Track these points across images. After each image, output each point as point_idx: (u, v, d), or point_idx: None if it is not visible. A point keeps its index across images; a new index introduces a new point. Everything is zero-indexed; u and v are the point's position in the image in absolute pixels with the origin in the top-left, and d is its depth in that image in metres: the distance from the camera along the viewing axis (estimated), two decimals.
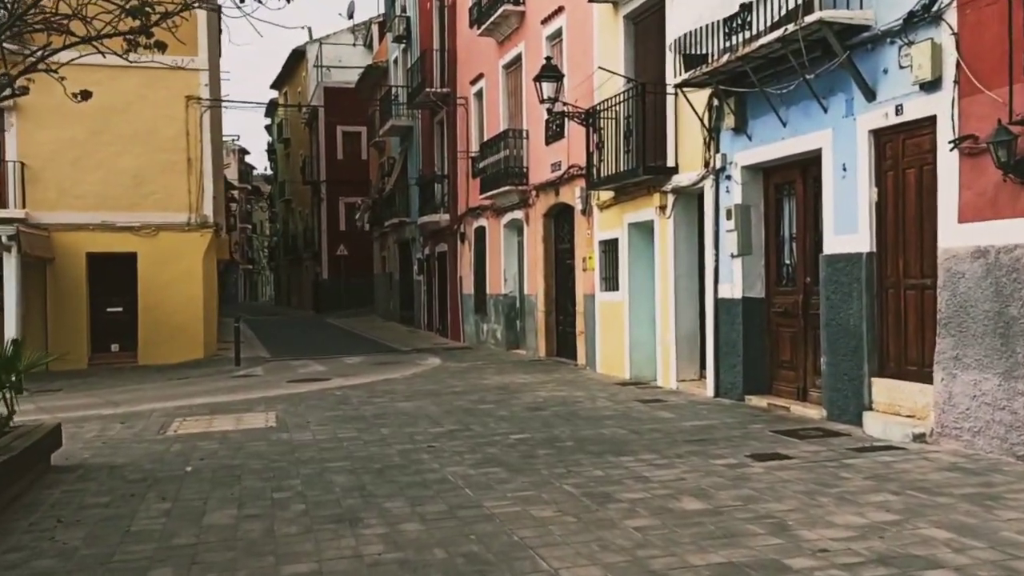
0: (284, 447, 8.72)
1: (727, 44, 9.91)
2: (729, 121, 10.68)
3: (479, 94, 21.28)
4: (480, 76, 20.92)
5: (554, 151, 16.43)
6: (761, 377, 10.61)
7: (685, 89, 10.93)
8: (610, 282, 14.30)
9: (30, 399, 13.74)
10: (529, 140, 17.84)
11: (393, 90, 29.54)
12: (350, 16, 45.45)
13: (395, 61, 31.09)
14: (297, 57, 47.49)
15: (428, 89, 23.82)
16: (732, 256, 10.73)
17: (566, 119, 15.64)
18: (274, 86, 56.15)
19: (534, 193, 17.49)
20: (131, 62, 8.11)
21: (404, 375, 15.32)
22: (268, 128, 64.54)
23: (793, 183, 10.23)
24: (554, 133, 16.42)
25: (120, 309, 20.27)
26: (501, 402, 11.40)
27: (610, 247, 14.28)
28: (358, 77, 36.56)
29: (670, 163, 12.04)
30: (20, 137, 19.24)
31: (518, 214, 18.48)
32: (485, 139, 19.99)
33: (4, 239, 15.97)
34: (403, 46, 29.34)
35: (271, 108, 59.80)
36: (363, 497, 6.49)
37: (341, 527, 5.69)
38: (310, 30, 51.36)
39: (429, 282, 26.76)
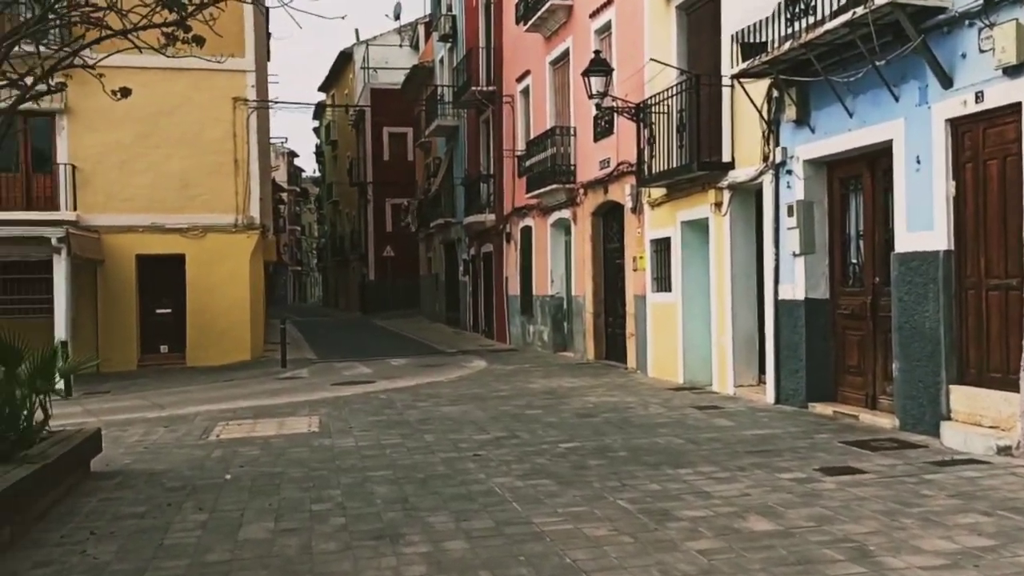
0: (326, 454, 8.42)
1: (788, 31, 9.40)
2: (790, 113, 10.15)
3: (525, 92, 20.91)
4: (526, 73, 20.55)
5: (603, 148, 15.98)
6: (825, 383, 10.06)
7: (743, 80, 10.43)
8: (662, 282, 13.82)
9: (78, 401, 13.77)
10: (577, 137, 17.42)
11: (439, 90, 29.33)
12: (396, 17, 45.43)
13: (441, 61, 30.88)
14: (344, 59, 47.61)
15: (474, 88, 23.52)
16: (794, 255, 10.20)
17: (615, 115, 15.18)
18: (322, 89, 56.43)
19: (582, 191, 17.06)
20: (170, 56, 7.79)
21: (449, 378, 15.00)
22: (316, 131, 64.99)
23: (860, 177, 9.67)
24: (603, 129, 15.97)
25: (168, 311, 20.29)
26: (549, 408, 11.00)
27: (662, 246, 13.80)
28: (404, 78, 36.43)
29: (726, 158, 11.53)
30: (71, 140, 19.34)
31: (565, 213, 18.06)
32: (531, 137, 19.61)
33: (54, 241, 16.00)
34: (449, 45, 29.10)
35: (319, 110, 60.15)
36: (405, 510, 6.14)
37: (382, 544, 5.35)
38: (357, 32, 51.58)
39: (475, 283, 26.46)
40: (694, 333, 12.89)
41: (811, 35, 8.85)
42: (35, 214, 18.47)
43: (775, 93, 10.50)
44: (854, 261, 9.86)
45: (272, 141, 38.80)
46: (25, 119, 19.14)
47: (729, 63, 10.96)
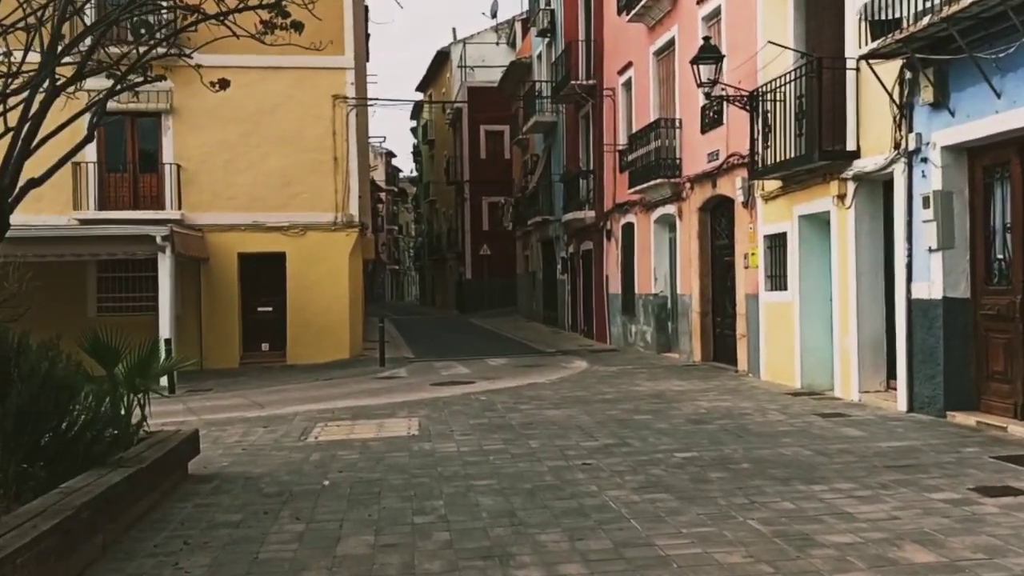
0: (426, 459, 8.04)
1: (926, 5, 8.55)
2: (926, 95, 9.26)
3: (627, 84, 20.25)
4: (628, 65, 19.90)
5: (710, 140, 15.22)
6: (966, 390, 9.15)
7: (872, 61, 9.59)
8: (776, 280, 13.01)
9: (180, 399, 13.83)
10: (682, 129, 16.68)
11: (537, 85, 28.90)
12: (493, 15, 45.33)
13: (539, 56, 30.45)
14: (441, 58, 47.75)
15: (573, 82, 22.99)
16: (930, 250, 9.31)
17: (725, 104, 14.41)
18: (419, 88, 56.79)
19: (688, 186, 16.32)
20: (269, 43, 7.50)
21: (550, 379, 14.51)
22: (413, 131, 65.57)
23: (1007, 164, 8.73)
24: (711, 120, 15.21)
25: (270, 309, 20.42)
26: (658, 412, 10.38)
27: (776, 242, 12.99)
28: (501, 75, 36.15)
29: (850, 147, 10.67)
30: (176, 140, 19.65)
31: (670, 209, 17.34)
32: (634, 131, 18.95)
33: (159, 239, 16.21)
34: (547, 40, 28.64)
35: (416, 110, 60.63)
36: (513, 526, 5.67)
37: (489, 565, 4.89)
38: (454, 31, 51.66)
39: (573, 281, 25.92)
40: (812, 334, 12.06)
41: (954, 8, 8.00)
42: (141, 213, 18.83)
43: (908, 74, 9.62)
44: (1000, 257, 8.91)
45: (370, 141, 39.16)
46: (133, 120, 19.58)
47: (856, 43, 10.10)
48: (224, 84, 8.21)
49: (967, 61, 8.48)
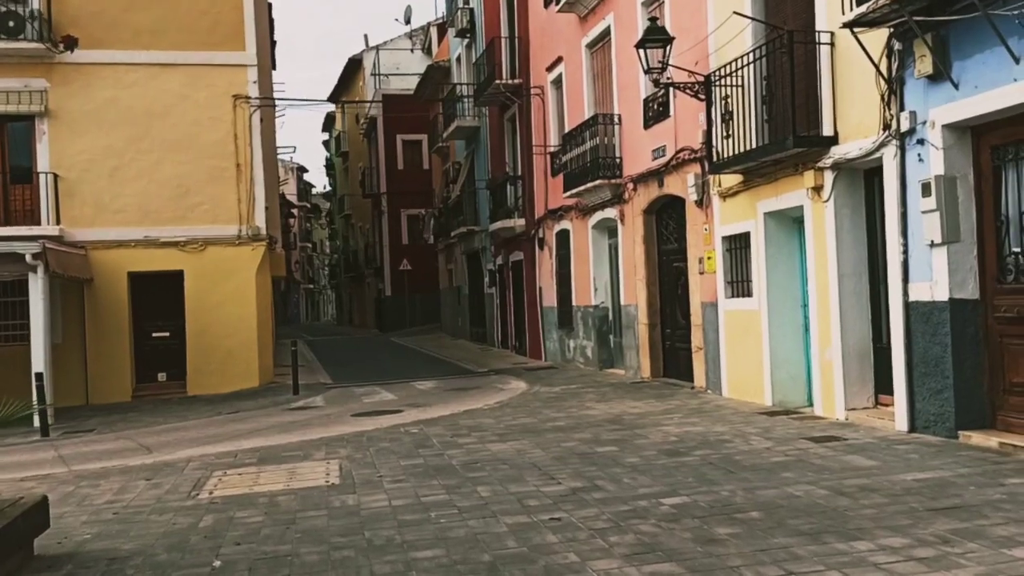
0: (350, 520, 6.33)
1: None
2: (923, 66, 8.03)
3: (557, 81, 18.87)
4: (558, 60, 18.52)
5: (656, 135, 13.90)
6: (980, 406, 7.91)
7: (857, 30, 8.33)
8: (738, 286, 11.70)
9: (53, 443, 11.77)
10: (622, 126, 15.34)
11: (457, 89, 27.34)
12: (407, 21, 43.65)
13: (458, 59, 28.93)
14: (353, 67, 45.81)
15: (498, 81, 21.51)
16: (931, 245, 8.07)
17: (672, 95, 13.15)
18: (331, 99, 54.56)
19: (630, 186, 14.96)
20: None
21: (488, 404, 12.89)
22: (326, 144, 63.28)
23: (1022, 143, 7.54)
24: (656, 114, 13.89)
25: (167, 334, 18.27)
26: (623, 443, 8.87)
27: (737, 244, 11.69)
28: (418, 81, 34.47)
29: (826, 131, 9.41)
30: (52, 146, 17.38)
31: (610, 212, 15.96)
32: (567, 130, 17.54)
33: (29, 258, 14.01)
34: (466, 41, 27.15)
35: (329, 121, 58.51)
36: None
37: None
38: (366, 37, 49.79)
39: (503, 295, 24.37)
40: (783, 346, 10.77)
41: None
42: (12, 229, 16.41)
43: (897, 44, 8.40)
44: (1016, 250, 7.71)
45: (279, 151, 37.01)
46: (1, 124, 17.24)
47: (828, 15, 8.90)
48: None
49: (974, 23, 7.29)
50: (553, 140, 19.18)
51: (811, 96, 9.64)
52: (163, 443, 11.22)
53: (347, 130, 51.02)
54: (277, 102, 23.31)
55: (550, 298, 19.71)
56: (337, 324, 60.72)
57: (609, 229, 16.61)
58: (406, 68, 41.88)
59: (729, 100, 10.74)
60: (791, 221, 10.78)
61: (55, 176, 17.23)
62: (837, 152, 9.29)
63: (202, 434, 11.83)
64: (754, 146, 10.36)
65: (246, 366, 18.11)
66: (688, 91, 11.91)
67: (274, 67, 32.56)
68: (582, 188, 16.15)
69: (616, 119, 15.43)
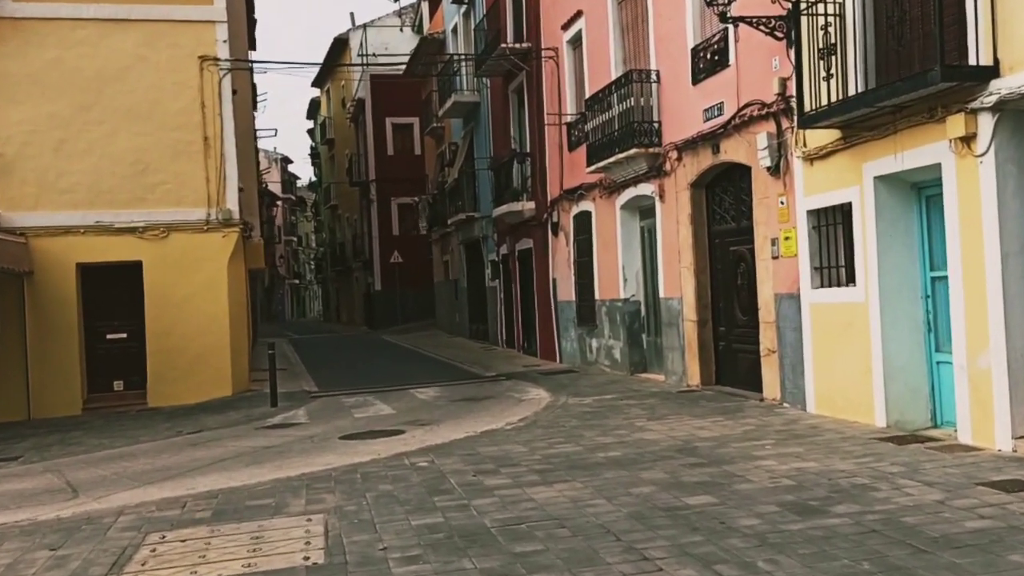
0: None
1: None
2: None
3: (575, 41, 16.36)
4: (577, 16, 16.00)
5: (709, 91, 11.42)
6: None
7: None
8: (832, 273, 9.25)
9: None
10: (661, 84, 12.86)
11: (454, 63, 24.74)
12: None
13: (454, 29, 26.37)
14: (339, 47, 43.09)
15: (503, 45, 18.95)
16: None
17: (731, 40, 10.68)
18: (316, 84, 51.87)
19: (673, 155, 12.48)
20: None
21: (510, 422, 10.39)
22: (311, 132, 60.54)
23: None
24: (709, 64, 11.41)
25: (124, 335, 15.67)
26: (718, 488, 6.40)
27: (830, 218, 9.24)
28: (409, 56, 31.83)
29: (982, 59, 6.94)
30: None
31: (645, 188, 13.49)
32: (588, 95, 15.02)
33: None
34: (464, 7, 24.60)
35: (313, 108, 55.87)
36: None
37: None
38: (352, 16, 47.16)
39: (507, 288, 21.86)
40: (900, 349, 8.32)
41: None
42: None
43: None
44: None
45: (259, 134, 34.40)
46: None
47: None
48: None
49: None
50: (570, 109, 16.67)
51: (956, 15, 7.17)
52: (98, 480, 8.67)
53: (333, 115, 48.35)
54: (256, 67, 20.70)
55: (567, 291, 17.22)
56: (324, 321, 58.07)
57: (642, 209, 14.13)
58: (396, 48, 39.19)
59: (830, 30, 8.26)
60: (909, 187, 8.33)
61: None
62: (1001, 87, 6.82)
63: (151, 465, 9.28)
64: (865, 88, 7.90)
65: (217, 372, 15.55)
66: (763, 27, 9.45)
67: (253, 47, 29.97)
68: (610, 160, 13.66)
69: (654, 76, 12.94)
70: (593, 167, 14.38)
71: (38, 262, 14.76)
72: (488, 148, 22.71)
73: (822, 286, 9.35)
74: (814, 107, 8.51)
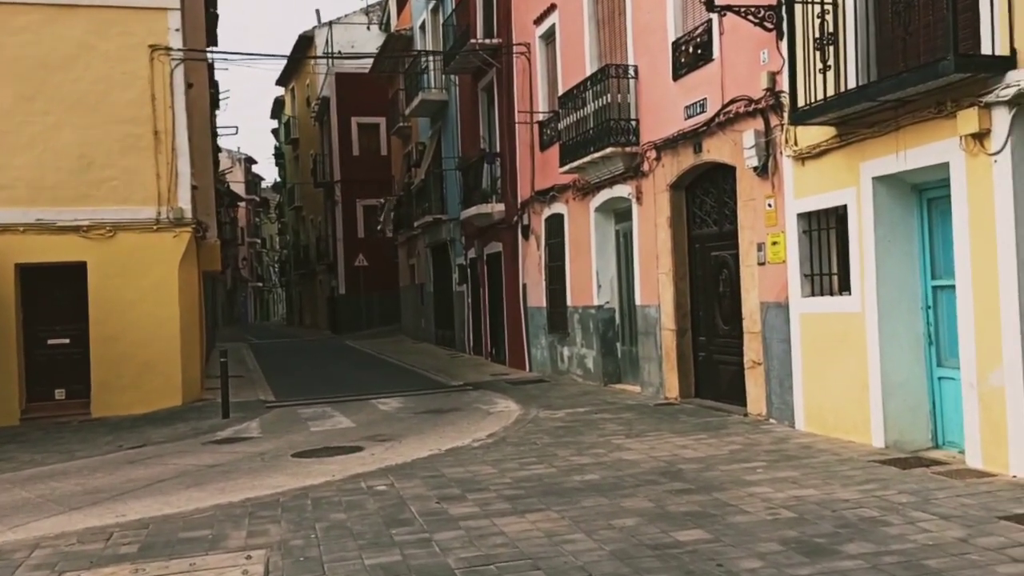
0: None
1: None
2: None
3: (548, 35, 15.69)
4: (550, 9, 15.33)
5: (691, 87, 10.80)
6: None
7: None
8: (824, 281, 8.65)
9: None
10: (639, 80, 12.22)
11: (422, 61, 23.99)
12: None
13: (422, 26, 25.61)
14: (304, 44, 42.08)
15: (472, 40, 18.24)
16: None
17: (715, 32, 10.07)
18: (280, 82, 50.80)
19: (651, 155, 11.84)
20: None
21: (478, 438, 9.66)
22: (275, 132, 59.34)
23: None
24: (691, 59, 10.78)
25: (66, 341, 14.69)
26: (711, 520, 5.72)
27: (822, 222, 8.65)
28: (376, 53, 31.01)
29: (998, 49, 6.36)
30: None
31: (621, 190, 12.84)
32: (561, 92, 14.36)
33: None
34: (432, 3, 23.85)
35: (277, 107, 54.81)
36: None
37: None
38: (318, 13, 46.21)
39: (475, 293, 21.13)
40: (898, 363, 7.72)
41: None
42: None
43: None
44: None
45: (220, 131, 33.36)
46: None
47: None
48: None
49: None
50: (542, 107, 16.00)
51: (967, 4, 6.59)
52: (19, 504, 7.79)
53: (297, 115, 47.32)
54: (216, 62, 19.78)
55: (537, 297, 16.52)
56: (287, 325, 56.87)
57: (618, 212, 13.49)
58: (363, 47, 38.36)
59: (827, 18, 7.65)
60: (910, 189, 7.74)
61: None
62: (1020, 79, 6.23)
63: (81, 487, 8.42)
64: (867, 81, 7.30)
65: (166, 380, 14.63)
66: (752, 18, 8.84)
67: (215, 43, 28.97)
68: (585, 160, 13.00)
69: (632, 71, 12.30)
70: (566, 167, 13.71)
71: None
72: (456, 148, 21.99)
73: (813, 295, 8.75)
74: (808, 102, 7.89)
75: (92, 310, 14.40)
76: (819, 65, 7.69)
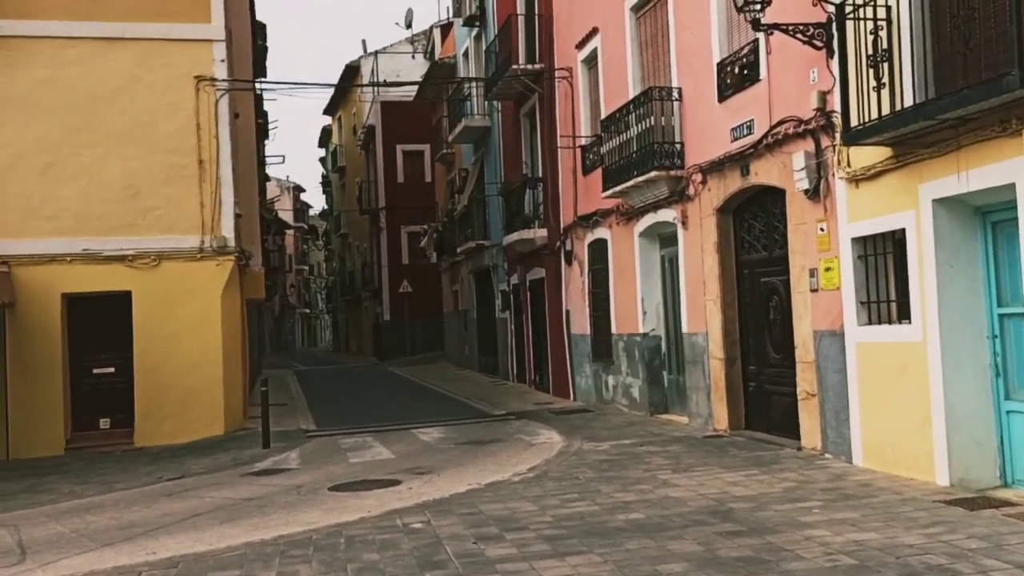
0: None
1: None
2: None
3: (590, 59, 15.51)
4: (592, 33, 15.16)
5: (737, 108, 10.49)
6: None
7: None
8: (882, 308, 8.23)
9: None
10: (683, 102, 11.94)
11: (465, 87, 24.00)
12: (408, 25, 40.46)
13: (465, 54, 25.67)
14: (351, 74, 42.50)
15: (515, 66, 18.12)
16: None
17: (762, 51, 9.78)
18: (327, 111, 51.43)
19: (697, 178, 11.53)
20: None
21: (519, 472, 9.36)
22: (322, 160, 60.03)
23: None
24: (737, 79, 10.48)
25: (111, 370, 14.75)
26: (764, 568, 5.37)
27: (879, 246, 8.25)
28: (420, 82, 31.15)
29: None
30: None
31: (666, 214, 12.53)
32: (604, 115, 14.14)
33: None
34: (475, 30, 23.88)
35: (325, 136, 55.50)
36: None
37: None
38: (364, 43, 46.76)
39: (518, 320, 20.88)
40: (964, 395, 7.28)
41: None
42: None
43: None
44: None
45: (268, 160, 33.76)
46: None
47: None
48: None
49: None
50: (584, 131, 15.79)
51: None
52: (53, 539, 7.69)
53: (344, 143, 47.79)
54: (266, 94, 19.94)
55: (581, 324, 16.22)
56: (333, 351, 57.18)
57: (663, 237, 13.18)
58: (407, 75, 38.61)
59: (881, 34, 7.31)
60: (972, 212, 7.33)
61: None
62: None
63: (116, 521, 8.30)
64: (925, 98, 6.94)
65: (209, 409, 14.59)
66: (800, 36, 8.53)
67: (263, 74, 29.39)
68: (628, 184, 12.72)
69: (676, 93, 12.03)
70: (609, 192, 13.45)
71: (21, 292, 13.90)
72: (499, 174, 21.87)
73: (870, 323, 8.34)
74: (862, 121, 7.55)
75: (136, 339, 14.44)
76: (872, 83, 7.35)
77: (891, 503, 6.83)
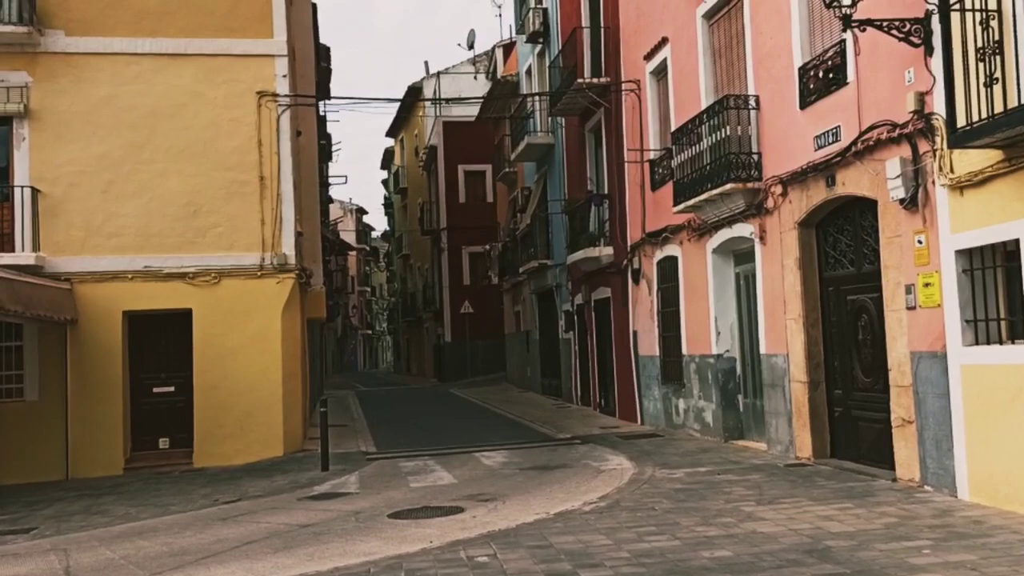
0: None
1: None
2: None
3: (659, 71, 14.95)
4: (661, 43, 14.61)
5: (821, 115, 9.83)
6: None
7: None
8: (992, 327, 7.47)
9: None
10: (760, 110, 11.31)
11: (528, 103, 23.63)
12: (470, 46, 40.42)
13: (528, 71, 25.32)
14: (414, 95, 42.63)
15: (580, 80, 17.66)
16: None
17: (849, 52, 9.12)
18: (390, 133, 51.71)
19: (776, 190, 10.87)
20: None
21: (589, 501, 8.77)
22: (384, 182, 60.38)
23: None
24: (821, 84, 9.83)
25: (171, 389, 14.58)
26: None
27: (987, 260, 7.51)
28: (482, 102, 30.94)
29: None
30: (34, 155, 14.00)
31: (741, 229, 11.87)
32: (675, 127, 13.56)
33: None
34: (539, 47, 23.52)
35: (387, 158, 55.82)
36: None
37: None
38: (427, 64, 46.91)
39: (583, 341, 20.27)
40: None
41: None
42: None
43: None
44: None
45: (331, 181, 33.84)
46: None
47: None
48: None
49: None
50: (652, 145, 15.22)
51: None
52: (101, 566, 7.36)
53: (406, 164, 47.90)
54: (330, 117, 19.82)
55: (649, 345, 15.56)
56: (394, 372, 57.16)
57: (738, 253, 12.51)
58: (469, 95, 38.57)
59: (992, 24, 6.64)
60: None
61: (34, 191, 13.82)
62: None
63: (168, 547, 7.94)
64: None
65: (268, 430, 14.32)
66: (896, 32, 7.88)
67: (327, 96, 29.45)
68: (701, 198, 12.10)
69: (752, 102, 11.41)
70: (681, 206, 12.84)
71: (83, 310, 13.84)
72: (563, 191, 21.38)
73: (977, 343, 7.58)
74: (969, 122, 6.86)
75: (196, 358, 14.26)
76: (983, 79, 6.67)
77: (1012, 544, 6.08)
